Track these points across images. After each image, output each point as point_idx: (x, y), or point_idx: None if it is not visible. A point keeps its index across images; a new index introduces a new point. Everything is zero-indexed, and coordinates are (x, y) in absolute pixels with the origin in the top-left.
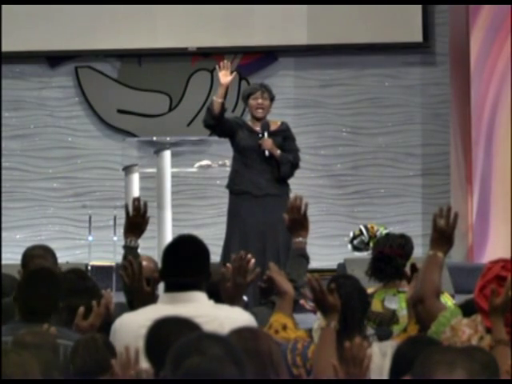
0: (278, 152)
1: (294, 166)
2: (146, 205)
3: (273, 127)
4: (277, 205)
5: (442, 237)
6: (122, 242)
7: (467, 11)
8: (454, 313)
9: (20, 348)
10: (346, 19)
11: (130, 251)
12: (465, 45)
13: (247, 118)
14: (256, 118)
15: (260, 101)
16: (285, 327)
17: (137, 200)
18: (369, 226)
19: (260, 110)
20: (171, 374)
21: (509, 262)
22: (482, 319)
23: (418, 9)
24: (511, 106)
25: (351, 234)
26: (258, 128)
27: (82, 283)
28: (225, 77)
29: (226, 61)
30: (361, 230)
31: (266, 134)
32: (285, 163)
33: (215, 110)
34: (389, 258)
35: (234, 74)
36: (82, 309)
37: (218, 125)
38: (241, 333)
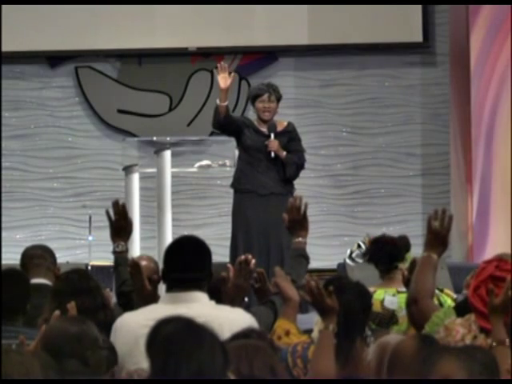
0: (284, 153)
1: (299, 166)
2: (124, 206)
3: (279, 127)
4: (280, 204)
5: (437, 239)
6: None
7: (467, 11)
8: (448, 313)
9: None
10: (346, 19)
11: (120, 256)
12: (465, 45)
13: (253, 118)
14: (262, 121)
15: (267, 105)
16: (288, 333)
17: (116, 203)
18: (366, 239)
19: (267, 113)
20: (152, 359)
21: (502, 262)
22: (475, 318)
23: (418, 9)
24: (511, 106)
25: (348, 251)
26: (263, 128)
27: (86, 283)
28: (224, 80)
29: (223, 63)
30: (359, 244)
31: (272, 136)
32: (290, 164)
33: (221, 114)
34: (385, 242)
35: (233, 75)
36: (57, 312)
37: (226, 126)
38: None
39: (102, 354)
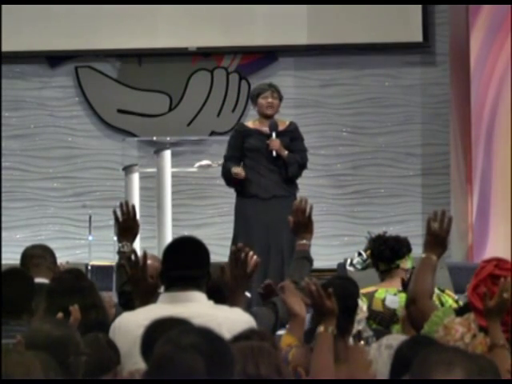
0: (286, 153)
1: (302, 166)
2: (133, 207)
3: (280, 127)
4: (283, 206)
5: (436, 240)
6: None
7: (467, 11)
8: (447, 312)
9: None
10: (346, 19)
11: (125, 256)
12: (465, 45)
13: (254, 118)
14: (265, 116)
15: (270, 100)
16: (289, 347)
17: (125, 204)
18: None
19: (270, 109)
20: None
21: (502, 261)
22: (474, 317)
23: (418, 9)
24: (511, 106)
25: (349, 260)
26: (264, 128)
27: (78, 283)
28: (242, 173)
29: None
30: (359, 252)
31: (274, 135)
32: (292, 163)
33: (234, 183)
34: (387, 239)
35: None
36: (60, 314)
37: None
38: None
39: (81, 360)
